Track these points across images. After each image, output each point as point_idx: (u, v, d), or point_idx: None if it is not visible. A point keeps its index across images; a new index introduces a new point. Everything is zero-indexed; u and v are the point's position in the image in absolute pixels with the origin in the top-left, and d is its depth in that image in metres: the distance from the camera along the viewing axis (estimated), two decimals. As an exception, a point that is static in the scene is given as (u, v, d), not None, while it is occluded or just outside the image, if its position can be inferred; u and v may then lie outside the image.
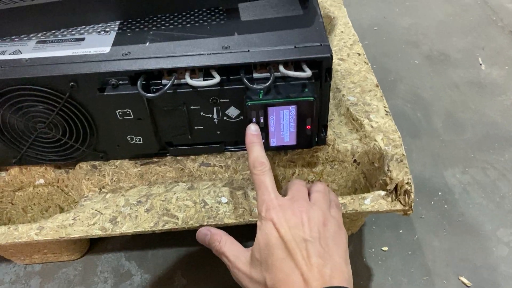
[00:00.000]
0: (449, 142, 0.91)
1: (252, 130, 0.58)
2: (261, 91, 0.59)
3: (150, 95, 0.57)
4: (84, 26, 0.66)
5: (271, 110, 0.59)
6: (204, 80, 0.58)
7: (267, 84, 0.56)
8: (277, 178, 0.72)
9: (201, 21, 0.65)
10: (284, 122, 0.60)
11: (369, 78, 0.80)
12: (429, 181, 0.85)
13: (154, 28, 0.64)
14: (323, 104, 0.62)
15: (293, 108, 0.58)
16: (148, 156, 0.69)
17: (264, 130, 0.61)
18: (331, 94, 0.64)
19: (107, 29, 0.65)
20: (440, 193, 0.83)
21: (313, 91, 0.58)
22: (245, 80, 0.57)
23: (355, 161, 0.71)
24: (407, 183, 0.62)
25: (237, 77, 0.60)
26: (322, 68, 0.58)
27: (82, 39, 0.63)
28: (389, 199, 0.63)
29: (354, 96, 0.77)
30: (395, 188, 0.63)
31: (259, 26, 0.64)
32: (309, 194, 0.55)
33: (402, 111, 0.98)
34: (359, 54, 0.86)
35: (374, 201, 0.62)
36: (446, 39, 1.13)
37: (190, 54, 0.59)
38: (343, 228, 0.52)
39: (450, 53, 1.08)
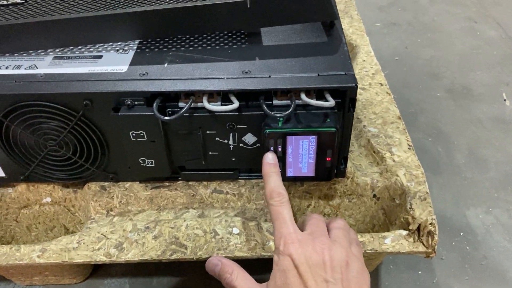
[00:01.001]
0: (471, 179, 0.88)
1: (270, 159, 0.56)
2: (281, 119, 0.56)
3: (166, 117, 0.55)
4: (102, 44, 0.64)
5: (290, 139, 0.56)
6: (222, 105, 0.56)
7: (288, 112, 0.54)
8: (292, 210, 0.69)
9: (221, 44, 0.64)
10: (303, 153, 0.57)
11: (391, 109, 0.77)
12: (450, 220, 0.81)
13: (173, 49, 0.63)
14: (344, 135, 0.60)
15: (313, 139, 0.56)
16: (159, 180, 0.66)
17: (282, 159, 0.58)
18: (352, 125, 0.62)
19: (126, 48, 0.63)
20: (461, 234, 0.79)
21: (335, 121, 0.56)
22: (265, 107, 0.55)
23: (374, 196, 0.68)
24: (430, 223, 0.58)
25: (256, 103, 0.57)
26: (346, 98, 0.56)
27: (100, 57, 0.62)
28: (411, 239, 0.59)
29: (375, 128, 0.74)
30: (418, 228, 0.59)
31: (282, 51, 0.62)
32: (327, 231, 0.52)
33: (423, 144, 0.95)
34: (381, 84, 0.83)
35: (395, 241, 0.58)
36: (469, 73, 1.11)
37: (209, 77, 0.57)
38: (366, 269, 0.48)
39: (473, 88, 1.05)
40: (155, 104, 0.55)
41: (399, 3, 1.39)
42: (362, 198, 0.68)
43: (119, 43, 0.64)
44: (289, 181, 0.66)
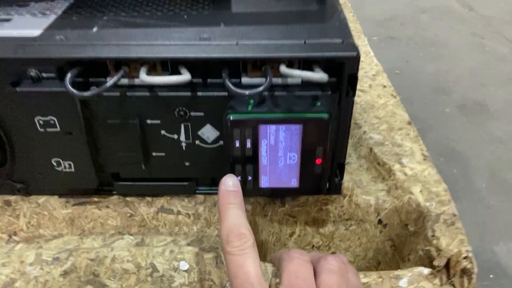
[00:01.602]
0: (496, 207, 0.70)
1: (228, 185, 0.38)
2: (251, 101, 0.39)
3: (84, 93, 0.37)
4: (19, 5, 0.48)
5: (265, 130, 0.39)
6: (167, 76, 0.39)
7: (261, 88, 0.37)
8: (270, 239, 0.51)
9: (177, 10, 0.47)
10: (283, 151, 0.40)
11: (399, 113, 0.61)
12: (475, 258, 0.63)
13: (111, 13, 0.46)
14: (341, 130, 0.42)
15: (297, 129, 0.38)
16: (85, 193, 0.48)
17: (252, 161, 0.41)
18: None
19: (47, 12, 0.47)
20: (491, 276, 0.60)
21: (328, 105, 0.39)
22: (228, 82, 0.38)
23: (380, 221, 0.50)
24: (465, 257, 0.40)
25: (217, 80, 0.41)
26: (344, 74, 0.39)
27: (8, 20, 0.45)
28: (437, 280, 0.41)
29: (379, 134, 0.57)
30: (446, 265, 0.41)
31: (256, 18, 0.45)
32: (315, 273, 0.34)
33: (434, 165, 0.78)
34: (384, 86, 0.67)
35: (414, 284, 0.40)
36: (481, 88, 0.96)
37: (151, 43, 0.40)
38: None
39: (488, 103, 0.90)
40: (68, 75, 0.38)
41: (397, 18, 1.27)
42: (364, 224, 0.50)
43: (42, 4, 0.48)
44: (264, 196, 0.48)
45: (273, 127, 0.38)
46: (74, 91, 0.37)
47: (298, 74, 0.37)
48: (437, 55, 1.06)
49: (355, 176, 0.53)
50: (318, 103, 0.39)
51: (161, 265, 0.41)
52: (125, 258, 0.41)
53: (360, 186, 0.52)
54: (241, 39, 0.41)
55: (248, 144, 0.39)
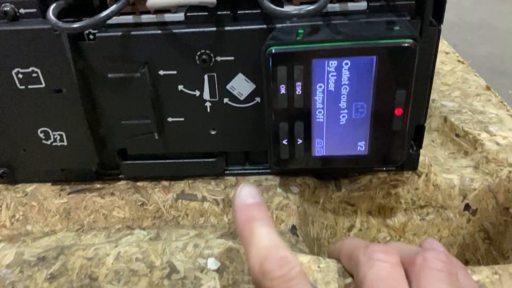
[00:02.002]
0: None
1: (245, 196, 0.26)
2: (300, 30, 0.28)
3: (73, 25, 0.27)
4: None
5: (321, 68, 0.28)
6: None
7: (315, 6, 0.26)
8: (320, 234, 0.39)
9: None
10: (347, 99, 0.29)
11: (472, 79, 0.49)
12: None
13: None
14: (422, 74, 0.31)
15: (369, 63, 0.27)
16: (84, 178, 0.37)
17: (303, 117, 0.29)
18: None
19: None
20: None
21: (411, 29, 0.28)
22: (266, 1, 0.27)
23: (467, 207, 0.38)
24: None
25: (250, 11, 0.30)
26: (427, -8, 0.28)
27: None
28: None
29: (452, 101, 0.45)
30: None
31: None
32: (408, 277, 0.23)
33: None
34: (447, 53, 0.56)
35: (545, 282, 0.28)
36: (547, 68, 0.83)
37: (162, -37, 0.30)
38: None
39: (558, 82, 0.77)
40: (53, 5, 0.28)
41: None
42: (445, 212, 0.38)
43: None
44: (317, 169, 0.37)
45: (333, 62, 0.27)
46: (60, 23, 0.27)
47: (368, -19, 0.26)
48: (487, 37, 0.94)
49: (429, 153, 0.42)
50: (396, 27, 0.27)
51: (182, 264, 0.29)
52: (133, 256, 0.30)
53: (437, 164, 0.40)
54: (282, -47, 0.30)
55: (298, 90, 0.28)
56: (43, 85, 0.31)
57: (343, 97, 0.28)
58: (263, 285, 0.23)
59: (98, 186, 0.38)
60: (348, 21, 0.29)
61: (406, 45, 0.26)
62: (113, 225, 0.36)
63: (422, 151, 0.40)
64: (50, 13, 0.28)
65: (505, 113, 0.43)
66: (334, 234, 0.39)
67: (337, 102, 0.29)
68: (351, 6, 0.29)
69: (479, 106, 0.44)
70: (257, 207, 0.25)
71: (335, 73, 0.28)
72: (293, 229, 0.34)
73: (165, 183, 0.37)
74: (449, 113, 0.44)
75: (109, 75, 0.32)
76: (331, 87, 0.28)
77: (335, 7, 0.29)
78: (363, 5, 0.29)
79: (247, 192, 0.26)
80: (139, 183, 0.37)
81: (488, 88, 0.47)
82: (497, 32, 0.99)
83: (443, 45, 0.57)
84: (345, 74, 0.27)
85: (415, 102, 0.32)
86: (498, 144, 0.39)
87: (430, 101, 0.47)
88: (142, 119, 0.33)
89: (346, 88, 0.28)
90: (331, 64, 0.27)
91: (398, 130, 0.29)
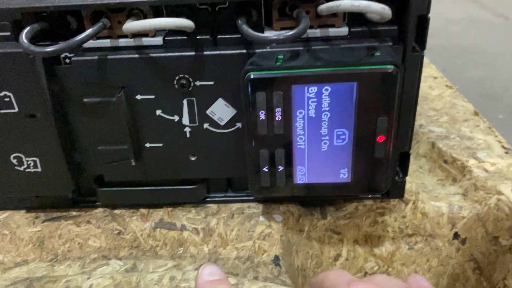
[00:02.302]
0: None
1: (207, 274, 0.26)
2: (280, 56, 0.28)
3: (47, 48, 0.26)
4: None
5: (301, 94, 0.27)
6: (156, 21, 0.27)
7: (294, 32, 0.25)
8: (304, 264, 0.37)
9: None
10: (328, 125, 0.28)
11: (460, 104, 0.49)
12: None
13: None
14: (405, 101, 0.30)
15: (349, 90, 0.26)
16: (59, 206, 0.36)
17: (284, 143, 0.28)
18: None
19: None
20: None
21: (393, 55, 0.27)
22: (245, 26, 0.27)
23: (456, 235, 0.37)
24: None
25: (230, 36, 0.29)
26: (410, 17, 0.28)
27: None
28: None
29: (440, 127, 0.45)
30: None
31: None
32: None
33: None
34: (435, 77, 0.55)
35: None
36: (536, 92, 0.84)
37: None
38: None
39: (548, 107, 0.77)
40: (26, 29, 0.27)
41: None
42: (434, 241, 0.37)
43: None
44: (300, 196, 0.35)
45: (313, 88, 0.26)
46: (32, 46, 0.26)
47: (347, 6, 0.25)
48: (478, 62, 0.94)
49: (416, 179, 0.41)
50: (377, 53, 0.27)
51: (156, 299, 0.28)
52: (105, 289, 0.29)
53: (425, 191, 0.39)
54: (262, -21, 0.30)
55: (278, 117, 0.27)
56: (16, 109, 0.30)
57: (324, 124, 0.28)
58: None
59: (74, 213, 0.36)
60: (329, 47, 0.28)
61: (387, 71, 0.26)
62: (88, 255, 0.35)
63: (409, 178, 0.39)
64: (23, 36, 0.27)
65: (493, 139, 0.42)
66: (319, 264, 0.38)
67: (318, 129, 0.28)
68: (332, 31, 0.29)
69: (467, 131, 0.44)
70: (220, 281, 0.25)
71: (315, 99, 0.27)
72: (276, 259, 0.33)
73: (144, 211, 0.36)
74: (437, 138, 0.43)
75: (85, 100, 0.31)
76: (312, 113, 0.27)
77: (316, 32, 0.29)
78: (344, 31, 0.29)
79: (208, 271, 0.26)
80: (117, 211, 0.36)
81: (476, 113, 0.47)
82: (486, 56, 1.00)
83: (432, 70, 0.57)
84: (326, 100, 0.27)
85: (399, 129, 0.31)
86: (486, 171, 0.38)
87: (418, 126, 0.46)
88: (119, 145, 0.32)
89: (327, 115, 0.27)
90: (311, 90, 0.26)
91: (381, 158, 0.28)
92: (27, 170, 0.33)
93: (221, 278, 0.25)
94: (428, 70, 0.57)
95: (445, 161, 0.41)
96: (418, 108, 0.49)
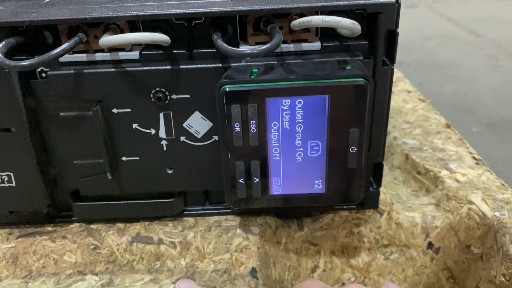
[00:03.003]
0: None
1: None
2: (255, 70, 0.28)
3: (22, 62, 0.26)
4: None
5: (275, 107, 0.27)
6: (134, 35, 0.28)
7: (267, 46, 0.26)
8: (282, 276, 0.38)
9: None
10: (302, 137, 0.28)
11: (433, 117, 0.50)
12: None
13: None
14: (377, 113, 0.31)
15: (321, 102, 0.27)
16: (33, 221, 0.36)
17: (259, 155, 0.29)
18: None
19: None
20: None
21: (363, 69, 0.28)
22: (220, 41, 0.27)
23: (430, 245, 0.37)
24: None
25: (206, 50, 0.30)
26: (379, 31, 0.29)
27: None
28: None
29: (414, 139, 0.46)
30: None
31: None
32: None
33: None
34: (409, 91, 0.57)
35: (506, 323, 0.27)
36: (509, 105, 0.87)
37: (116, 5, 0.30)
38: None
39: (519, 120, 0.80)
40: (2, 43, 0.27)
41: (403, 45, 1.21)
42: (409, 251, 0.38)
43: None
44: (275, 207, 0.36)
45: (287, 101, 0.27)
46: (7, 61, 0.26)
47: (318, 21, 0.26)
48: (452, 76, 0.97)
49: (391, 190, 0.42)
50: (349, 67, 0.28)
51: (132, 313, 0.28)
52: (80, 305, 0.28)
53: (400, 201, 0.40)
54: (237, -4, 0.30)
55: (253, 129, 0.28)
56: (-10, 124, 0.30)
57: (298, 135, 0.28)
58: None
59: (50, 229, 0.36)
60: (302, 61, 0.29)
61: (358, 84, 0.27)
62: (63, 271, 0.34)
63: (384, 189, 0.40)
64: (-3, 50, 0.27)
65: (464, 151, 0.44)
66: (297, 275, 0.38)
67: (292, 140, 0.28)
68: (305, 46, 0.30)
69: (439, 143, 0.45)
70: None
71: (289, 112, 0.27)
72: (253, 271, 0.33)
73: (120, 225, 0.36)
74: (410, 150, 0.44)
75: (61, 114, 0.31)
76: (286, 125, 0.28)
77: (290, 47, 0.30)
78: (317, 45, 0.30)
79: (184, 286, 0.27)
80: (93, 226, 0.36)
81: (448, 126, 0.48)
82: (461, 71, 1.03)
83: (406, 84, 0.59)
84: (299, 112, 0.27)
85: (371, 140, 0.32)
86: (458, 181, 0.39)
87: (392, 138, 0.47)
88: (95, 159, 0.32)
89: (300, 126, 0.28)
90: (285, 102, 0.27)
91: (354, 168, 0.29)
92: (1, 185, 0.32)
93: None
94: (403, 85, 0.59)
95: (419, 172, 0.42)
96: (392, 121, 0.51)
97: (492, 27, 1.29)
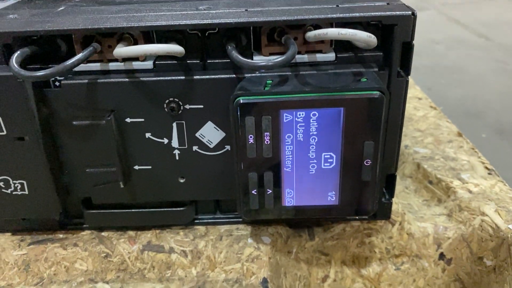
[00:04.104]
0: None
1: None
2: (269, 81, 0.28)
3: (37, 73, 0.27)
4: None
5: (289, 119, 0.27)
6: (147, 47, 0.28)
7: (283, 58, 0.26)
8: (293, 286, 0.37)
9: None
10: (315, 149, 0.28)
11: (444, 125, 0.50)
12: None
13: (85, -4, 0.36)
14: (391, 125, 0.31)
15: (336, 115, 0.27)
16: (45, 228, 0.36)
17: (272, 167, 0.29)
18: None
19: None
20: None
21: (379, 81, 0.28)
22: (234, 52, 0.27)
23: (442, 256, 0.37)
24: None
25: (219, 60, 0.30)
26: (394, 43, 0.28)
27: (-48, 5, 0.35)
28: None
29: (425, 148, 0.45)
30: None
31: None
32: None
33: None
34: (420, 98, 0.56)
35: None
36: (518, 110, 0.86)
37: (130, 15, 0.30)
38: None
39: (529, 126, 0.79)
40: (16, 53, 0.27)
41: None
42: (420, 261, 0.38)
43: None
44: (288, 218, 0.36)
45: (301, 113, 0.27)
46: (22, 71, 0.26)
47: (334, 34, 0.26)
48: (461, 81, 0.97)
49: (402, 200, 0.41)
50: (364, 79, 0.27)
51: (144, 324, 0.28)
52: (92, 315, 0.28)
53: (411, 211, 0.40)
54: (251, 7, 0.30)
55: (267, 140, 0.28)
56: (5, 132, 0.30)
57: (312, 147, 0.28)
58: None
59: (61, 236, 0.36)
60: (316, 72, 0.29)
61: (373, 97, 0.26)
62: (74, 278, 0.34)
63: (395, 199, 0.40)
64: (13, 61, 0.27)
65: (476, 160, 0.43)
66: (308, 285, 0.38)
67: (306, 152, 0.28)
68: (319, 57, 0.30)
69: (451, 152, 0.45)
70: None
71: (303, 124, 0.27)
72: (264, 282, 0.33)
73: (131, 233, 0.36)
74: (422, 159, 0.44)
75: (74, 123, 0.31)
76: (300, 137, 0.28)
77: (304, 57, 0.30)
78: (331, 56, 0.30)
79: None
80: (104, 233, 0.36)
81: (459, 134, 0.48)
82: (469, 75, 1.02)
83: (416, 91, 0.58)
84: (313, 124, 0.27)
85: (385, 152, 0.32)
86: (470, 192, 0.39)
87: (403, 147, 0.47)
88: (107, 167, 0.32)
89: (314, 139, 0.28)
90: (299, 115, 0.27)
91: (368, 181, 0.29)
92: (14, 193, 0.32)
93: None
94: (413, 91, 0.59)
95: (430, 182, 0.42)
96: (404, 129, 0.50)
97: (502, 31, 1.28)
